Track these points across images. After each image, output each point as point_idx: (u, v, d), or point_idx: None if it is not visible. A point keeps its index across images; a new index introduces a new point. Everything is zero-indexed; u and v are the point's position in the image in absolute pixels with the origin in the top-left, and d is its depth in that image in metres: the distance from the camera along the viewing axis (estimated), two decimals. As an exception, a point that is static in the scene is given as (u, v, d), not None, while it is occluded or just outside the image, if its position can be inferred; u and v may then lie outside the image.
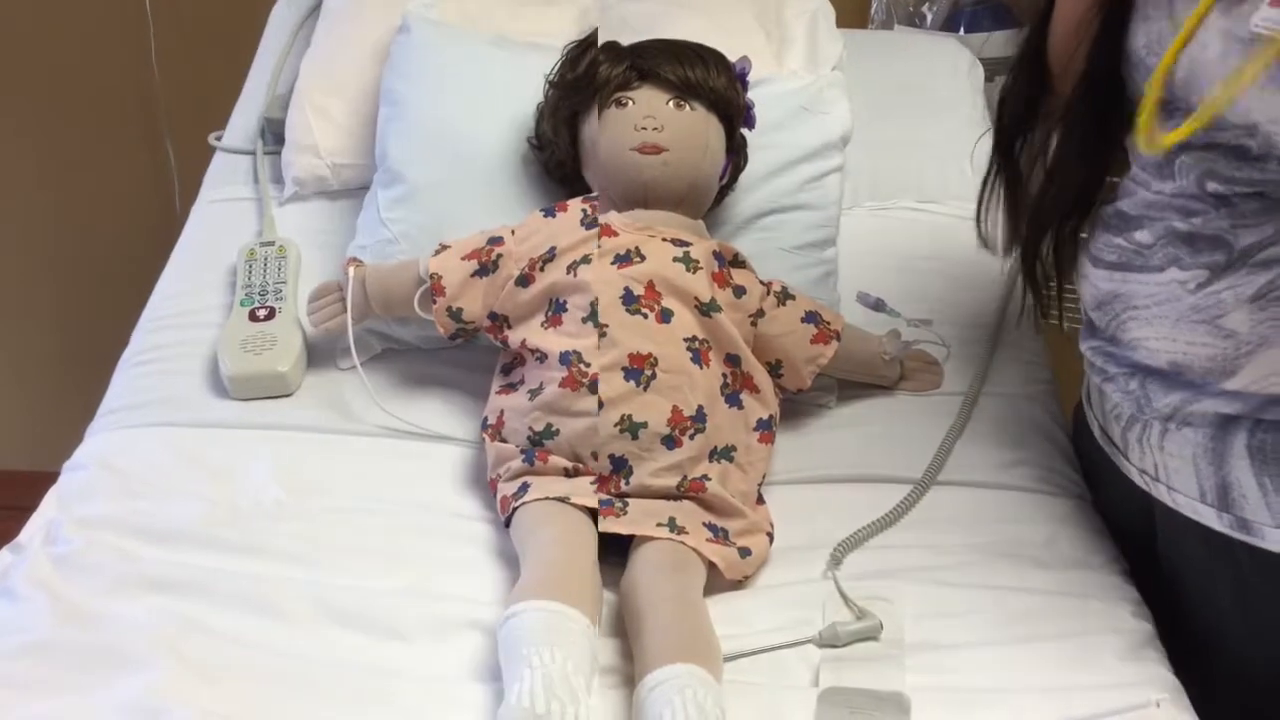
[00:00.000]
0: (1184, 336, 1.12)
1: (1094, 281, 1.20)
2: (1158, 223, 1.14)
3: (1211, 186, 1.08)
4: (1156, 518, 1.24)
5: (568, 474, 1.28)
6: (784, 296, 1.42)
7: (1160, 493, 1.20)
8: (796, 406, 1.43)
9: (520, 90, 1.53)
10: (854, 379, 1.46)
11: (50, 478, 1.34)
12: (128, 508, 1.26)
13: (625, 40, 1.51)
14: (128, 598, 1.16)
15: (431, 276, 1.38)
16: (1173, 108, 1.11)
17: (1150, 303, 1.14)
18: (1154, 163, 1.14)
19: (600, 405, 1.27)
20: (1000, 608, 1.22)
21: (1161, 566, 1.27)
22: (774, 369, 1.40)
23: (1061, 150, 1.24)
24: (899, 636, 1.19)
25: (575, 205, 1.40)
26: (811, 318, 1.41)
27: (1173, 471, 1.18)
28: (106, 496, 1.28)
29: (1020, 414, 1.45)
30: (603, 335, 1.30)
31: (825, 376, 1.43)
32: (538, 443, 1.29)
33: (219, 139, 1.75)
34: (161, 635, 1.12)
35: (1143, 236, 1.15)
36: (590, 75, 1.44)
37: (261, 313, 1.45)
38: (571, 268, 1.34)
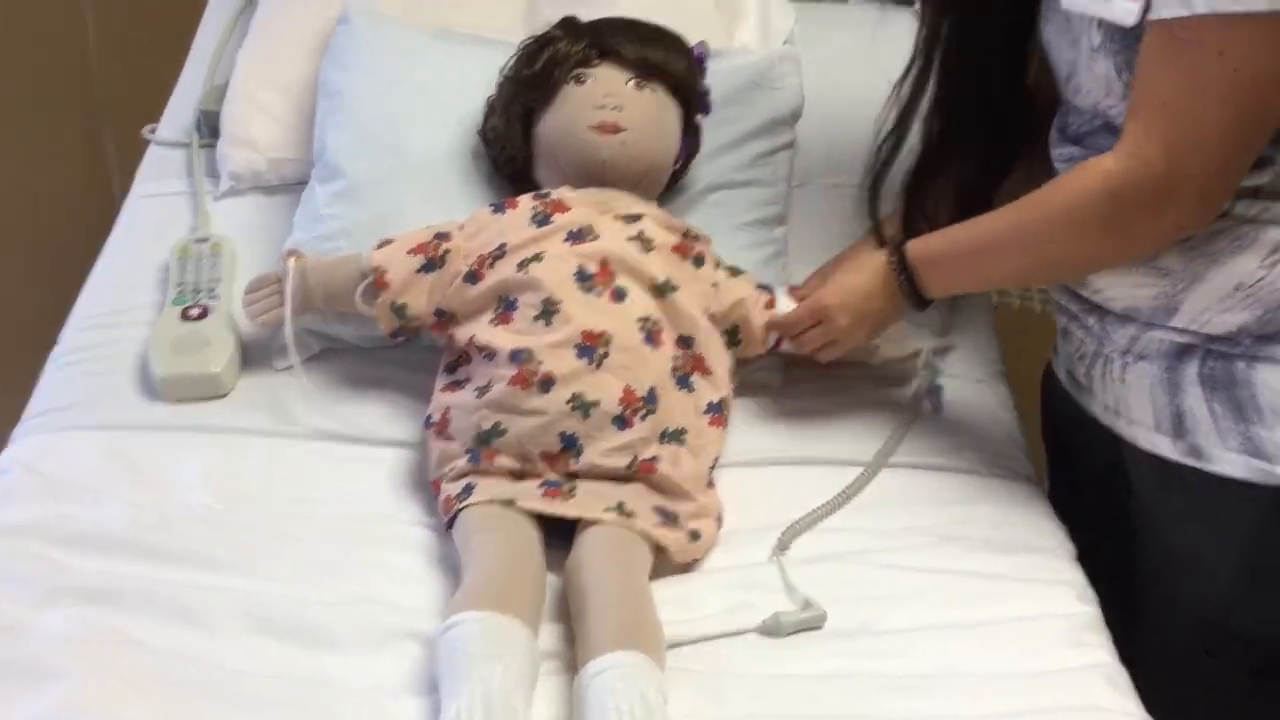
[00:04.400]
0: (1128, 280, 1.20)
1: None
2: None
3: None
4: (1122, 455, 1.29)
5: (514, 476, 1.26)
6: (735, 270, 1.42)
7: (1120, 427, 1.27)
8: (746, 389, 1.43)
9: (463, 85, 1.52)
10: None
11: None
12: (53, 513, 1.24)
13: (578, 10, 1.50)
14: (50, 607, 1.13)
15: (375, 270, 1.36)
16: (1067, 107, 1.25)
17: None
18: (1066, 137, 1.25)
19: (551, 384, 1.26)
20: (946, 591, 1.22)
21: (1126, 507, 1.32)
22: (732, 336, 1.39)
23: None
24: None
25: (525, 202, 1.38)
26: (765, 288, 1.41)
27: (1132, 404, 1.25)
28: (31, 502, 1.26)
29: (970, 397, 1.45)
30: (555, 312, 1.29)
31: (775, 355, 1.42)
32: (485, 441, 1.27)
33: (153, 131, 1.72)
34: (84, 646, 1.09)
35: None
36: (549, 71, 1.43)
37: (194, 311, 1.42)
38: (523, 265, 1.32)
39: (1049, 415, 1.45)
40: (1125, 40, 1.13)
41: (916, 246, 1.30)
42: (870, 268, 1.32)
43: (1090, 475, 1.37)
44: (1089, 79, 1.18)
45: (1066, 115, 1.26)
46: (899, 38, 1.38)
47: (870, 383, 1.45)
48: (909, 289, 1.30)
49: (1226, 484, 1.18)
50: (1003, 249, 1.24)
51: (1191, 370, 1.19)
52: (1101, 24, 1.14)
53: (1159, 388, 1.22)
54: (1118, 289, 1.22)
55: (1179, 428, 1.21)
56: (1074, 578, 1.26)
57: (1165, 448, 1.22)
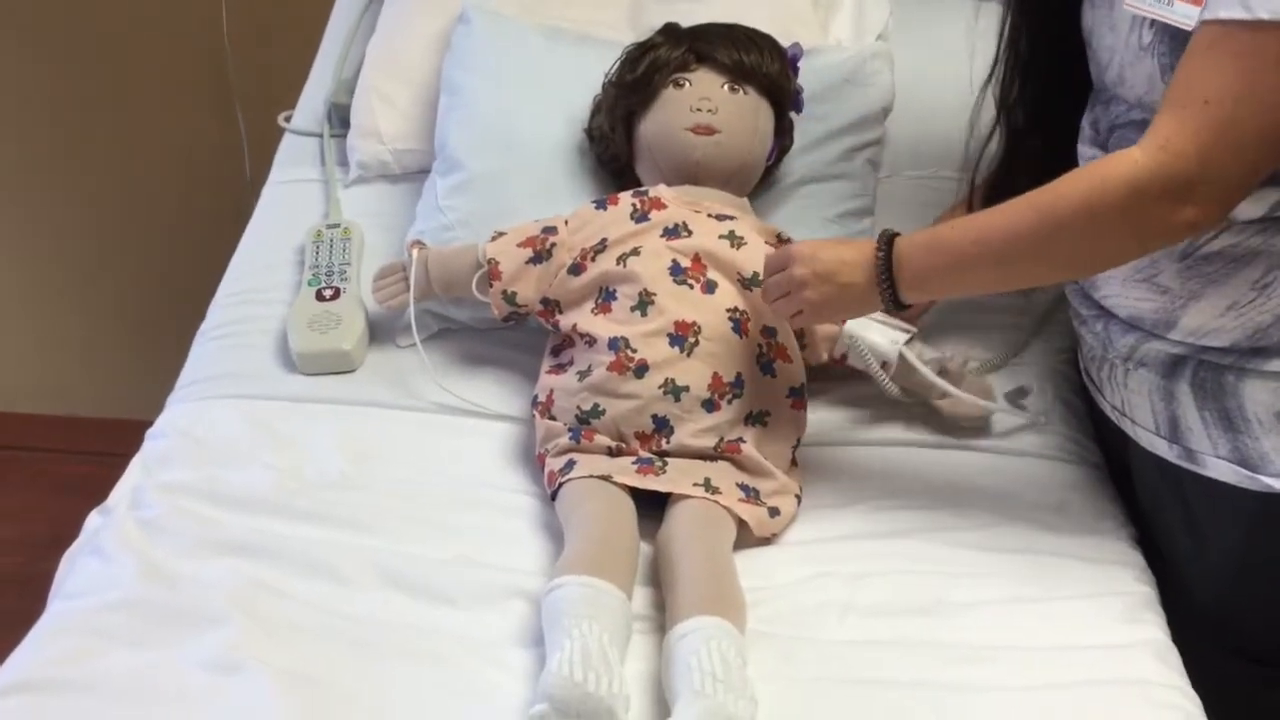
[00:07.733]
0: (1132, 294, 1.26)
1: None
2: None
3: None
4: (1129, 451, 1.35)
5: (611, 453, 1.35)
6: None
7: (1127, 426, 1.33)
8: (834, 373, 1.48)
9: (572, 83, 1.60)
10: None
11: (121, 424, 1.42)
12: (205, 475, 1.34)
13: (678, 6, 1.57)
14: (206, 560, 1.24)
15: (489, 261, 1.45)
16: (1106, 95, 1.26)
17: None
18: (1095, 141, 1.27)
19: (645, 370, 1.35)
20: (1011, 569, 1.29)
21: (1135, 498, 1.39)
22: (799, 339, 1.44)
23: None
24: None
25: (625, 199, 1.47)
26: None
27: (1135, 407, 1.31)
28: (186, 464, 1.36)
29: (1043, 385, 1.50)
30: (651, 303, 1.38)
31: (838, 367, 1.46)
32: (585, 421, 1.36)
33: (288, 119, 1.81)
34: (237, 596, 1.20)
35: None
36: (649, 77, 1.51)
37: (327, 293, 1.52)
38: (622, 259, 1.41)
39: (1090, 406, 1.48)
40: (1175, 43, 1.13)
41: (910, 236, 1.23)
42: (859, 244, 1.27)
43: (1114, 468, 1.43)
44: (1133, 73, 1.19)
45: (1107, 105, 1.25)
46: (993, 30, 1.39)
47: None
48: (887, 278, 1.22)
49: (1216, 487, 1.25)
50: (1007, 242, 1.16)
51: (1185, 380, 1.24)
52: (1153, 24, 1.15)
53: (1156, 394, 1.27)
54: (1121, 299, 1.27)
55: (1174, 433, 1.27)
56: (1133, 558, 1.32)
57: (1163, 450, 1.29)
